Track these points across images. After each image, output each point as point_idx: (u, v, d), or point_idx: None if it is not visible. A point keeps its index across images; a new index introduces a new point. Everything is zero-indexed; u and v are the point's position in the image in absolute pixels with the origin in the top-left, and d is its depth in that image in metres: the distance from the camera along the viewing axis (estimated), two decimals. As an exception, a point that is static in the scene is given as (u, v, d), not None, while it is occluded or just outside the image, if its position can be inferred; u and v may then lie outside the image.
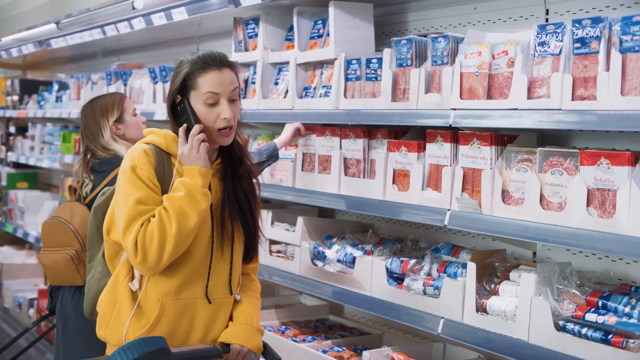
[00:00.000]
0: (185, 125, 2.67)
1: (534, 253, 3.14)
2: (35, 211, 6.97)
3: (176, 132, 2.72)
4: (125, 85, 5.55)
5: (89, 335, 3.11)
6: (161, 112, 4.88)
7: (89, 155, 3.74)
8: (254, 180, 2.86)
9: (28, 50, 7.06)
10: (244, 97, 4.11)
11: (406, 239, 3.50)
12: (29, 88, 7.90)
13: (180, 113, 2.70)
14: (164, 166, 2.68)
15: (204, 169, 2.64)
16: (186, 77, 2.67)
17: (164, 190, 2.66)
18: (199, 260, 2.69)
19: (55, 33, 6.00)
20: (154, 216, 2.57)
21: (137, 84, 5.40)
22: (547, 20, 3.10)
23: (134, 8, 4.35)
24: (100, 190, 3.63)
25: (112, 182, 3.42)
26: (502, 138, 2.84)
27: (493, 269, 2.93)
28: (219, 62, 2.67)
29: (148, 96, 5.14)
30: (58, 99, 6.81)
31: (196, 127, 2.64)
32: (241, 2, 3.81)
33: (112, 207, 2.72)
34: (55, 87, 7.02)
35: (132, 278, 2.70)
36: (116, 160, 3.58)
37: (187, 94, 2.68)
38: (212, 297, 2.72)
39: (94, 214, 2.95)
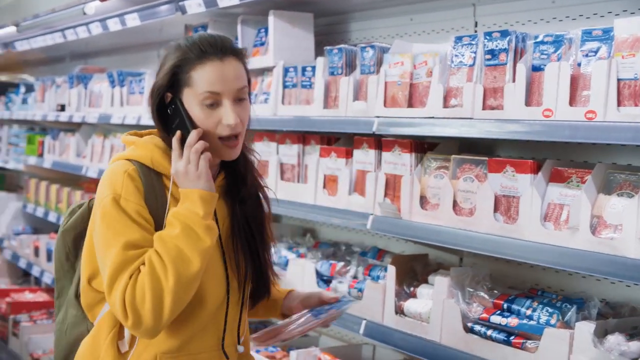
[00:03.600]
0: (179, 133, 2.04)
1: (461, 259, 3.23)
2: (-1, 212, 7.04)
3: (166, 140, 2.09)
4: (85, 89, 5.62)
5: None
6: (117, 116, 4.94)
7: None
8: (263, 200, 2.25)
9: (-5, 53, 7.13)
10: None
11: (340, 243, 3.58)
12: (-1, 89, 7.97)
13: (171, 117, 2.06)
14: (154, 191, 2.02)
15: (207, 193, 1.98)
16: (176, 69, 2.02)
17: (159, 224, 2.02)
18: (213, 309, 2.11)
19: (17, 36, 6.06)
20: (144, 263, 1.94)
21: (96, 87, 5.47)
22: (475, 32, 3.19)
23: (84, 13, 4.43)
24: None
25: None
26: (422, 145, 2.93)
27: (415, 272, 3.02)
28: (220, 49, 2.01)
29: (106, 100, 5.21)
30: (24, 101, 6.87)
31: (194, 134, 2.00)
32: (187, 10, 3.89)
33: (89, 248, 2.08)
34: (22, 89, 7.08)
35: (120, 335, 2.09)
36: None
37: (178, 92, 2.04)
38: (228, 352, 2.17)
39: (62, 239, 2.27)
